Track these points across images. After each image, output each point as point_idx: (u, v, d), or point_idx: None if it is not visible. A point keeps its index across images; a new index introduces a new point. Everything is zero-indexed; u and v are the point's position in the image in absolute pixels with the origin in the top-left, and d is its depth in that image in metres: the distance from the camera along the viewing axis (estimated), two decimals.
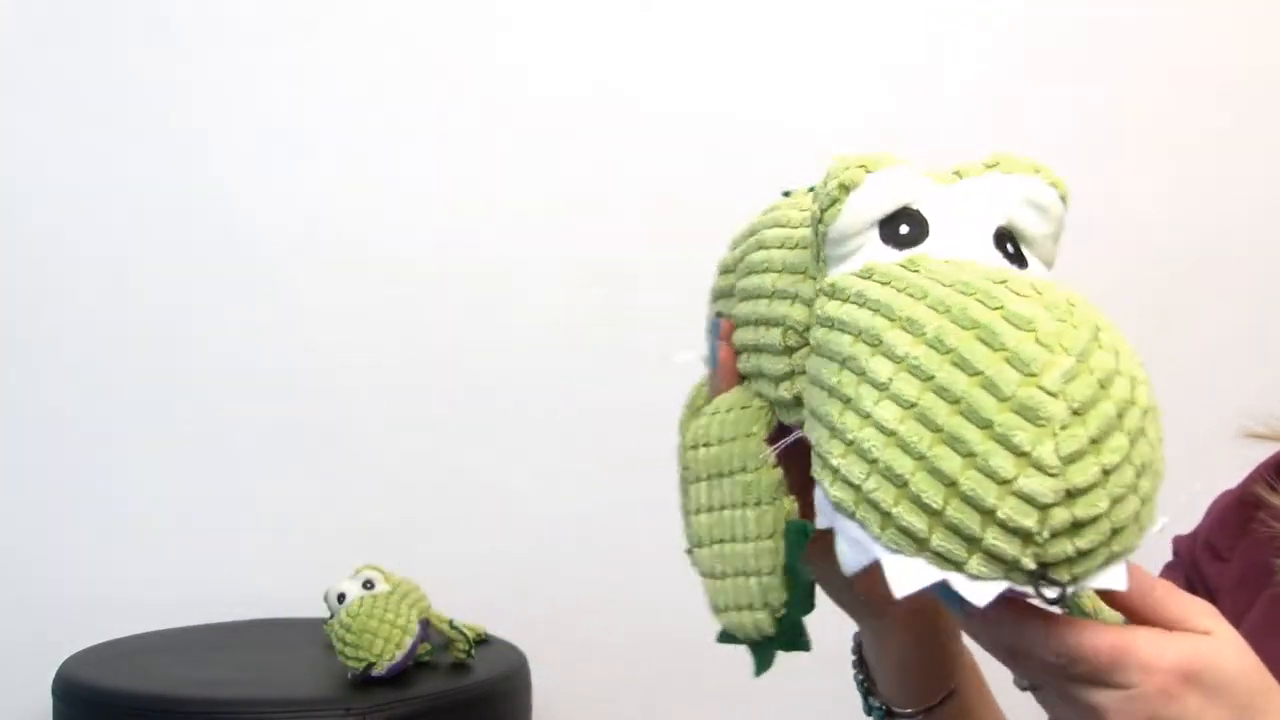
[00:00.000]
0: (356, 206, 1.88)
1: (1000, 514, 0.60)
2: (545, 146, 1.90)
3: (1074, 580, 0.61)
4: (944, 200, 0.68)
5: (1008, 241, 0.67)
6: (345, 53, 1.87)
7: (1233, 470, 0.94)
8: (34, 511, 1.83)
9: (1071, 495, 0.60)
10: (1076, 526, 0.60)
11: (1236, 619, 0.78)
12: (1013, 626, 0.64)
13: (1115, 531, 0.61)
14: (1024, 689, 0.70)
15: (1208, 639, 0.65)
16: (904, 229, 0.67)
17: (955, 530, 0.60)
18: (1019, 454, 0.59)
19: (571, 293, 1.90)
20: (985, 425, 0.60)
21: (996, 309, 0.62)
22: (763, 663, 0.72)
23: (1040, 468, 0.59)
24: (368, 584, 1.57)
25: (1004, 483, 0.60)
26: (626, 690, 1.93)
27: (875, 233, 0.67)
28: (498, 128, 1.89)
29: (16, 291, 1.82)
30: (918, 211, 0.67)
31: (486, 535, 1.90)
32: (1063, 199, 0.68)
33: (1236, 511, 0.93)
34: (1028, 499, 0.60)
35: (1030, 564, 0.60)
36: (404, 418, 1.89)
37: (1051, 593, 0.61)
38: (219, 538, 1.86)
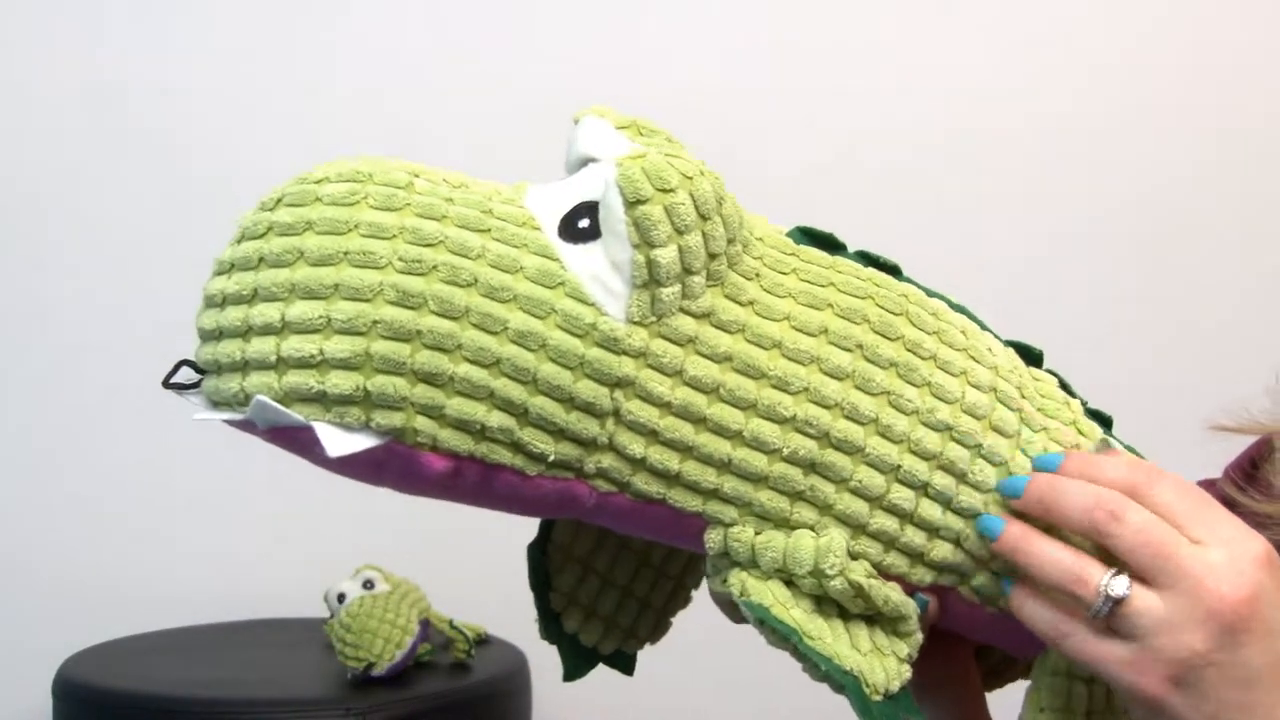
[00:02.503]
0: None
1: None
2: (551, 138, 1.90)
3: (209, 400, 0.64)
4: (602, 160, 0.65)
5: (586, 216, 0.62)
6: (352, 48, 1.88)
7: (1202, 467, 0.92)
8: (34, 511, 1.83)
9: (205, 303, 0.63)
10: (201, 335, 0.63)
11: None
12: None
13: (219, 364, 0.62)
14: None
15: None
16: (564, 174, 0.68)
17: None
18: None
19: None
20: None
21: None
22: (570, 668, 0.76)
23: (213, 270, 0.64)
24: (368, 584, 1.57)
25: None
26: (626, 690, 1.93)
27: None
28: (505, 125, 1.89)
29: (17, 289, 1.82)
30: (590, 161, 0.65)
31: (486, 535, 1.89)
32: (623, 189, 0.61)
33: None
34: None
35: (193, 357, 0.64)
36: None
37: (180, 378, 0.65)
38: (219, 538, 1.86)
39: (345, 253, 0.60)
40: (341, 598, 1.56)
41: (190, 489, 1.85)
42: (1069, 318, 1.97)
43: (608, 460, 0.63)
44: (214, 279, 0.63)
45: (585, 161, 0.65)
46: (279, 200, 0.62)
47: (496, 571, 1.91)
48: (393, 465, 0.61)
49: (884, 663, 0.64)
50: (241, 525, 1.86)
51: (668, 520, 0.65)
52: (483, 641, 1.65)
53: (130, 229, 1.84)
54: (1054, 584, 0.64)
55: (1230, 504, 0.82)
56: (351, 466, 0.61)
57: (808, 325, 0.64)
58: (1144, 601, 0.63)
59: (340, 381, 0.59)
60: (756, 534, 0.64)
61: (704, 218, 0.62)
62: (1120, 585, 0.63)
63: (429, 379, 0.59)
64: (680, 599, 0.77)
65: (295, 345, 0.59)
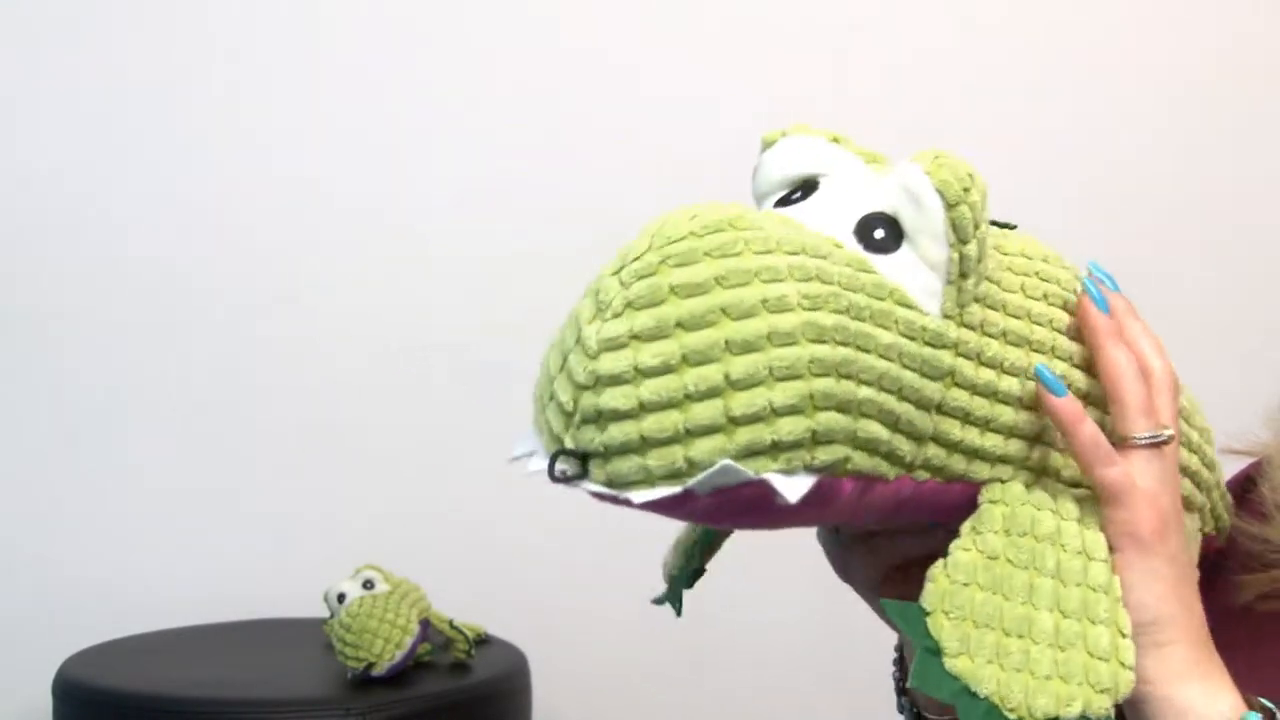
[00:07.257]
0: (356, 206, 1.88)
1: (555, 388, 0.60)
2: (555, 142, 1.90)
3: (611, 483, 0.59)
4: (847, 176, 0.67)
5: (880, 226, 0.64)
6: (361, 46, 1.87)
7: None
8: (34, 511, 1.83)
9: (601, 382, 0.58)
10: (600, 416, 0.58)
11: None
12: None
13: (646, 440, 0.58)
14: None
15: None
16: (796, 194, 0.68)
17: (542, 409, 0.62)
18: (576, 334, 0.60)
19: (573, 291, 1.89)
20: (573, 312, 0.62)
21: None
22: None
23: (583, 347, 0.59)
24: (368, 584, 1.57)
25: (563, 359, 0.60)
26: (626, 690, 1.93)
27: (781, 194, 0.69)
28: (507, 124, 1.89)
29: (18, 288, 1.82)
30: (816, 182, 0.68)
31: (486, 536, 1.90)
32: (943, 192, 0.64)
33: None
34: (568, 375, 0.59)
35: (569, 444, 0.60)
36: (404, 417, 1.89)
37: (566, 468, 0.60)
38: (219, 538, 1.86)
39: (763, 300, 0.59)
40: (341, 598, 1.56)
41: (190, 489, 1.85)
42: None
43: (931, 450, 0.65)
44: (606, 356, 0.58)
45: (803, 180, 0.68)
46: (661, 262, 0.59)
47: (496, 571, 1.92)
48: (812, 499, 0.60)
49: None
50: (241, 525, 1.86)
51: (962, 495, 0.68)
52: (483, 641, 1.66)
53: (128, 229, 1.84)
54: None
55: None
56: (729, 510, 0.60)
57: (1033, 292, 0.69)
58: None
59: (792, 427, 0.59)
60: (1026, 487, 0.68)
61: None
62: None
63: (844, 407, 0.60)
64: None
65: (745, 401, 0.58)
